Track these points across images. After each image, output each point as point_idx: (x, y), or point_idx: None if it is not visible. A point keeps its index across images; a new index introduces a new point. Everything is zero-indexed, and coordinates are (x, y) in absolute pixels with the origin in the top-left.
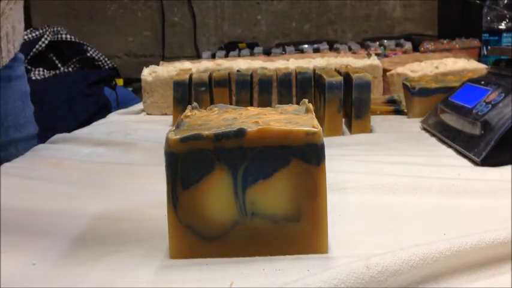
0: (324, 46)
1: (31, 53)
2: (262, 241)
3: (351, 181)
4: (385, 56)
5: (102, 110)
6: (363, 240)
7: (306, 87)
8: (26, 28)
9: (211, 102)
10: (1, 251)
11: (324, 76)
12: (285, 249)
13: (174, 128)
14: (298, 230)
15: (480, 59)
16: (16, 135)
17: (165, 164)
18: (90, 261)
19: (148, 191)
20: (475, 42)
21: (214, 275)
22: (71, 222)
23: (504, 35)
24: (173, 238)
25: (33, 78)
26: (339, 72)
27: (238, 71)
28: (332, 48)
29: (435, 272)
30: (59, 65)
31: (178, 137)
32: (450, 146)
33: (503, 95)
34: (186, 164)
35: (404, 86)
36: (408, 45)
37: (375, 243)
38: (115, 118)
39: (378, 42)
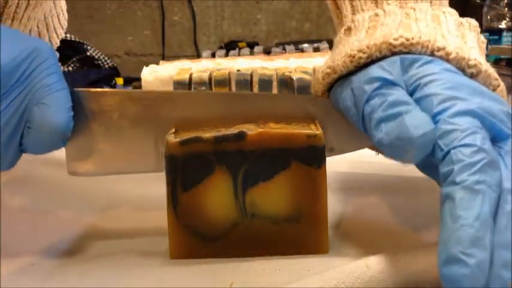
0: (324, 45)
1: None
2: (262, 242)
3: (351, 181)
4: None
5: None
6: (363, 240)
7: (306, 88)
8: None
9: None
10: (1, 251)
11: None
12: (285, 249)
13: (173, 130)
14: (299, 232)
15: None
16: None
17: (164, 166)
18: (90, 262)
19: (148, 192)
20: None
21: (214, 275)
22: (71, 223)
23: (504, 34)
24: (173, 240)
25: None
26: None
27: (238, 70)
28: (332, 47)
29: (435, 272)
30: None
31: (177, 139)
32: None
33: None
34: (186, 167)
35: None
36: None
37: (375, 243)
38: None
39: None
